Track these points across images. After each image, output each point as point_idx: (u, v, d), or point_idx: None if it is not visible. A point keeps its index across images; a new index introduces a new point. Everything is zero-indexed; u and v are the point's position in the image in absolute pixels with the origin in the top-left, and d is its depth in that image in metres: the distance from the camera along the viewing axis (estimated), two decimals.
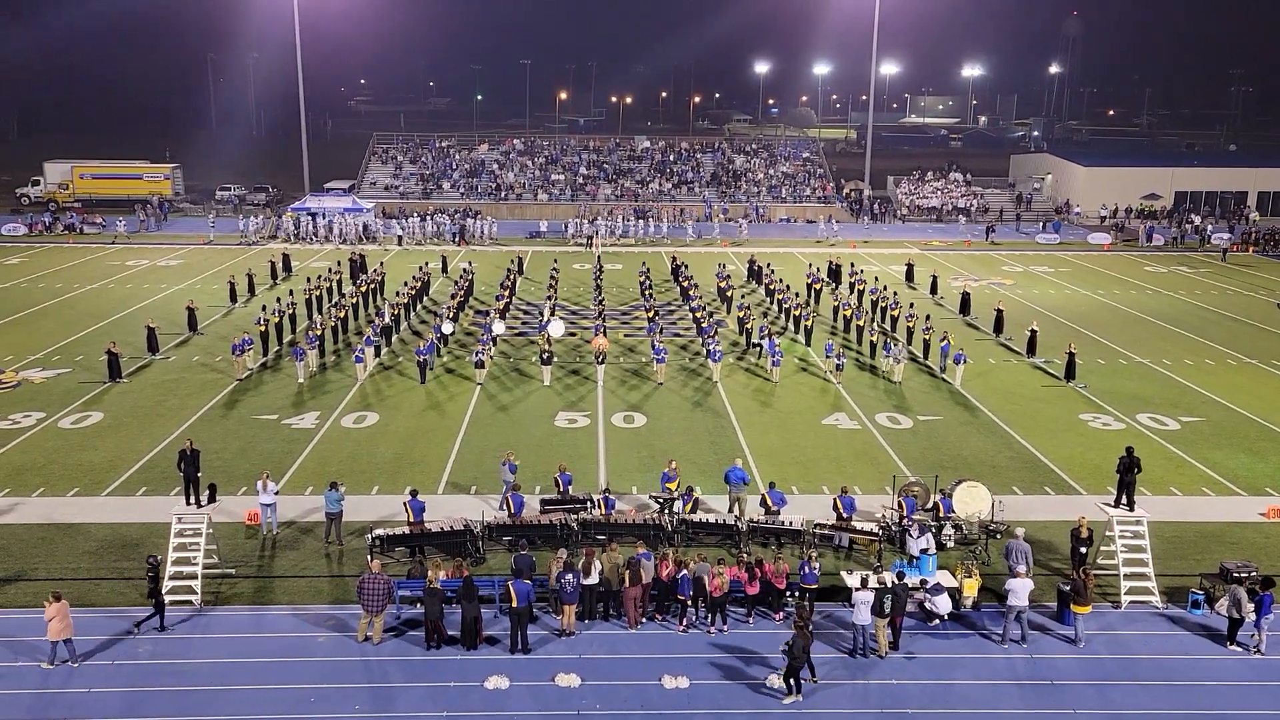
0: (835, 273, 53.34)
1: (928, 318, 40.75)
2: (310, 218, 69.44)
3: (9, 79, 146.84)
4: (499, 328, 39.53)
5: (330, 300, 46.11)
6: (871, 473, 27.40)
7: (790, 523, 23.19)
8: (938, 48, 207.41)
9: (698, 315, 42.53)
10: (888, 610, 18.79)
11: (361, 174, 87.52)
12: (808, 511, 24.12)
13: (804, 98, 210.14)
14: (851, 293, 48.73)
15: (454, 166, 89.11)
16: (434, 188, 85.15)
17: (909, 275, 55.03)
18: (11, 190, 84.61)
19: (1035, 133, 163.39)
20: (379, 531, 22.24)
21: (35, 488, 25.91)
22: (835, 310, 45.58)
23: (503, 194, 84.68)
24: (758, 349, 38.78)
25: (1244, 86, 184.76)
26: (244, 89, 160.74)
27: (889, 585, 19.11)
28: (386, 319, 40.75)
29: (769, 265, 53.17)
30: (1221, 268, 62.10)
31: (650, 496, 24.98)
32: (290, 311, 41.68)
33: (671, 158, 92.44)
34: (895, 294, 46.38)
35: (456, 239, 68.42)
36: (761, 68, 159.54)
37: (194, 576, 20.41)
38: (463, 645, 18.90)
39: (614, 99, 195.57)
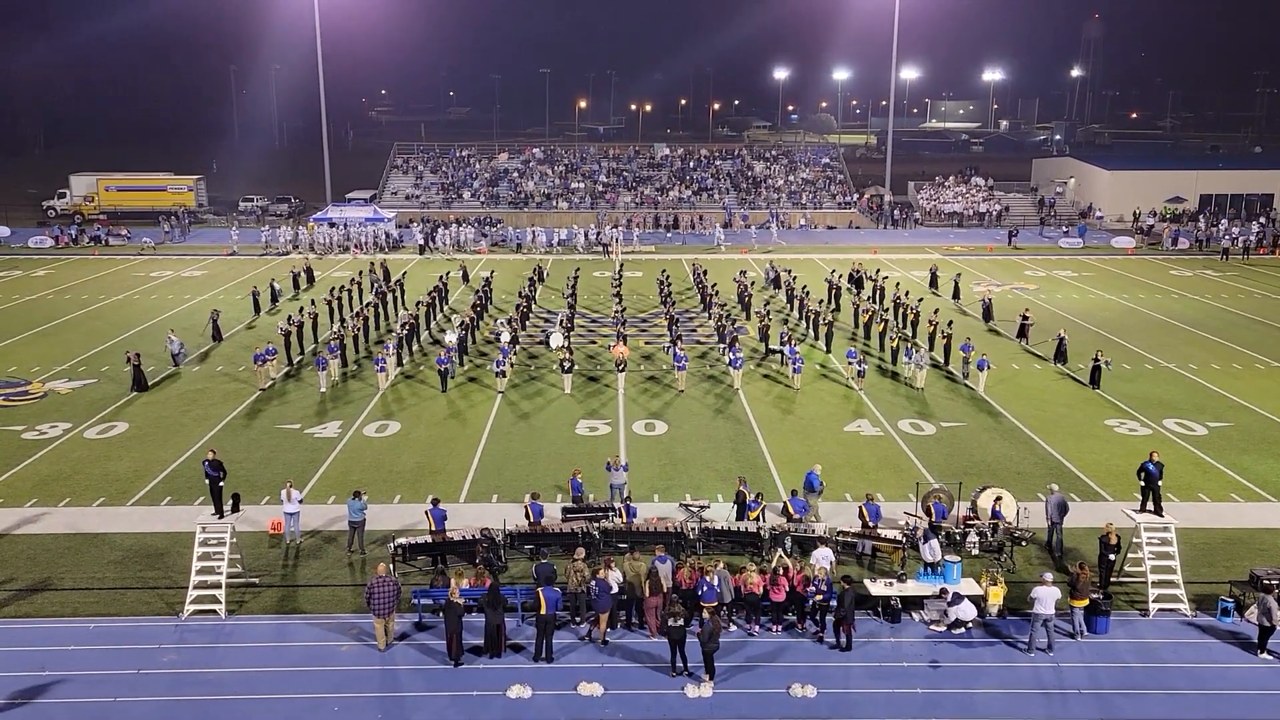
0: (857, 279, 53.02)
1: (949, 323, 40.48)
2: (331, 228, 69.92)
3: (35, 93, 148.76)
4: (506, 336, 39.58)
5: (351, 309, 46.32)
6: (894, 480, 27.22)
7: (813, 530, 23.07)
8: (958, 52, 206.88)
9: (721, 323, 42.40)
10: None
11: (383, 184, 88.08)
12: (830, 519, 24.01)
13: (823, 103, 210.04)
14: (873, 298, 48.51)
15: (474, 175, 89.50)
16: (455, 197, 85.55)
17: (933, 281, 54.72)
18: (38, 203, 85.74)
19: (1057, 136, 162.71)
20: (401, 540, 22.29)
21: (61, 497, 26.12)
22: (856, 315, 45.36)
23: (537, 203, 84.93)
24: (778, 355, 38.65)
25: (1268, 88, 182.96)
26: (266, 100, 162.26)
27: (841, 591, 19.23)
28: (406, 328, 40.87)
29: (789, 270, 53.02)
30: (1247, 270, 61.47)
31: (680, 505, 24.89)
32: (312, 320, 41.94)
33: (691, 165, 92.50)
34: (920, 300, 46.07)
35: (422, 248, 67.91)
36: (781, 74, 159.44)
37: (218, 586, 20.49)
38: (487, 654, 18.89)
39: (633, 107, 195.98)
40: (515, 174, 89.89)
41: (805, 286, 49.18)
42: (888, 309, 45.41)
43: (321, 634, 19.72)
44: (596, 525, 22.93)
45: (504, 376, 35.21)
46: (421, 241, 68.14)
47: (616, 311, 44.92)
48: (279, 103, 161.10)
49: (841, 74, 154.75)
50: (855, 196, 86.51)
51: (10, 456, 28.91)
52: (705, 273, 53.89)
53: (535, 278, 52.41)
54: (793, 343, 37.93)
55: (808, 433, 31.25)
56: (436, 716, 17.25)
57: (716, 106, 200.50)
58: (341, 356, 37.77)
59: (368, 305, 46.02)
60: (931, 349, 39.29)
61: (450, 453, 29.42)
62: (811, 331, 43.34)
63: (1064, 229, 76.44)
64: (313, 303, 45.26)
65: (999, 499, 23.59)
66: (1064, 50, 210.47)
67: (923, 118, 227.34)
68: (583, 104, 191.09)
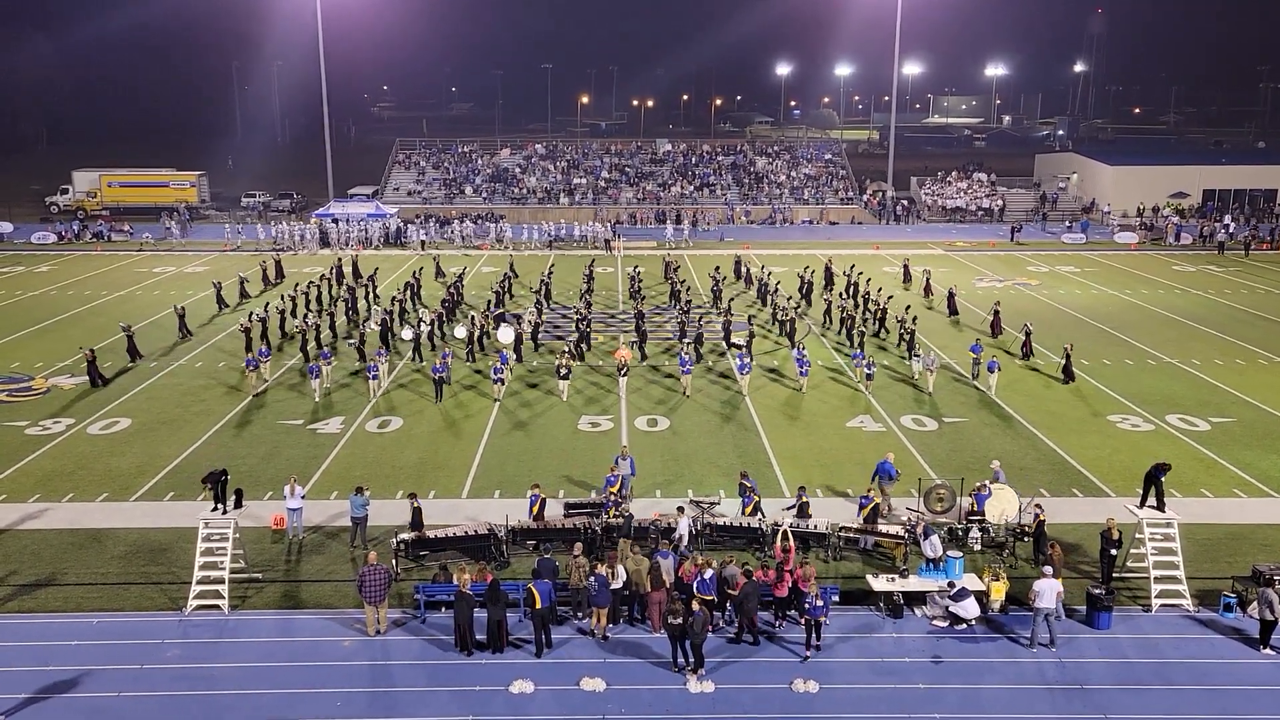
0: (829, 275, 52.76)
1: (914, 319, 40.04)
2: (335, 224, 69.91)
3: (38, 90, 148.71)
4: (460, 332, 39.37)
5: (317, 305, 46.13)
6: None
7: (815, 525, 23.06)
8: (961, 47, 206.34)
9: (682, 319, 41.65)
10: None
11: (385, 180, 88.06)
12: (832, 514, 23.97)
13: (826, 99, 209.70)
14: (845, 294, 48.02)
15: (476, 171, 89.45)
16: (457, 192, 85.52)
17: (906, 276, 54.85)
18: (41, 199, 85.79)
19: (1060, 132, 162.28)
20: (403, 535, 22.30)
21: (65, 493, 26.16)
22: (827, 310, 45.11)
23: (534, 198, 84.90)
24: (737, 349, 38.57)
25: (1272, 83, 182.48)
26: (268, 96, 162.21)
27: (738, 579, 19.28)
28: (375, 324, 40.74)
29: (763, 267, 52.82)
30: (1250, 266, 61.36)
31: (691, 501, 24.89)
32: (282, 313, 41.95)
33: (693, 160, 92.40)
34: (890, 297, 45.90)
35: (394, 241, 67.91)
36: (783, 69, 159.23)
37: (221, 581, 20.52)
38: (489, 649, 18.92)
39: (635, 102, 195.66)
40: (517, 169, 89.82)
41: (779, 283, 49.01)
42: (856, 304, 45.26)
43: (324, 629, 19.75)
44: (599, 521, 22.91)
45: (502, 384, 34.06)
46: (397, 235, 68.43)
47: (580, 309, 43.62)
48: (281, 99, 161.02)
49: (844, 70, 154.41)
50: (866, 195, 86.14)
51: (14, 452, 28.96)
52: (677, 268, 53.76)
53: (509, 274, 51.96)
54: (800, 345, 37.55)
55: (810, 428, 31.24)
56: (439, 711, 17.27)
57: (719, 102, 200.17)
58: (313, 339, 37.81)
59: (336, 300, 45.91)
60: (913, 347, 38.88)
61: (453, 448, 29.44)
62: (777, 327, 43.03)
63: (1067, 224, 76.30)
64: (282, 298, 45.04)
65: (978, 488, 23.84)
66: (1067, 45, 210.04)
67: (925, 113, 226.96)
68: (585, 100, 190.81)
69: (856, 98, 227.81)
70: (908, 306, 42.49)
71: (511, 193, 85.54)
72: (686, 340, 39.58)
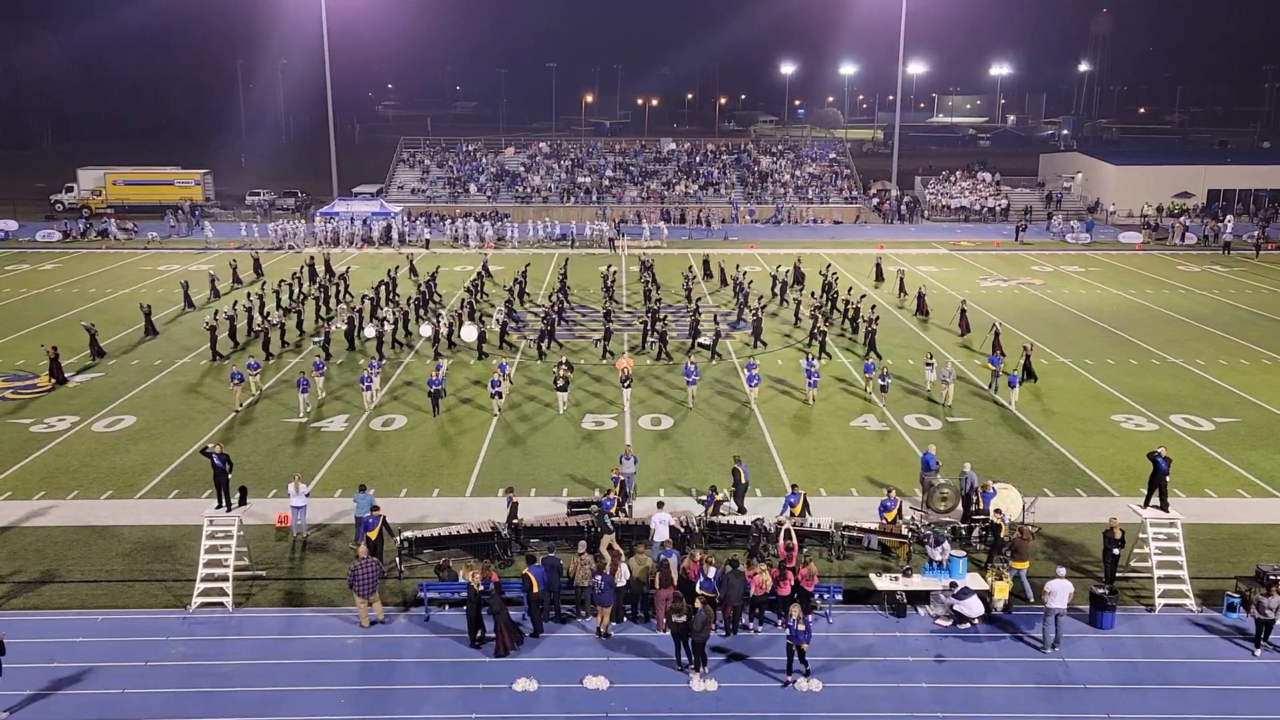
0: (799, 274, 52.87)
1: (877, 319, 39.65)
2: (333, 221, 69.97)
3: (43, 88, 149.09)
4: (425, 330, 39.36)
5: (290, 301, 46.17)
6: (900, 474, 27.16)
7: (819, 525, 23.05)
8: (965, 46, 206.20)
9: (650, 319, 41.19)
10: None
11: (389, 178, 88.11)
12: (835, 513, 23.98)
13: (830, 98, 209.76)
14: (818, 294, 48.01)
15: (481, 170, 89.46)
16: (461, 191, 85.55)
17: (878, 274, 54.97)
18: (46, 197, 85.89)
19: (1065, 131, 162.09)
20: (407, 534, 22.33)
21: (70, 490, 26.23)
22: (797, 309, 45.00)
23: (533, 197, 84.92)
24: (707, 350, 38.70)
25: (1278, 83, 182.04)
26: (273, 95, 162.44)
27: (724, 572, 19.31)
28: (342, 321, 40.83)
29: (738, 266, 52.86)
30: (1255, 266, 61.26)
31: (697, 500, 24.87)
32: (249, 311, 42.00)
33: (697, 159, 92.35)
34: (863, 296, 45.60)
35: (380, 243, 68.00)
36: (787, 69, 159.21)
37: (225, 579, 20.56)
38: (496, 649, 18.94)
39: (640, 101, 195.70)
40: (521, 168, 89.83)
41: (751, 281, 48.96)
42: (823, 304, 45.15)
43: (328, 626, 19.79)
44: (601, 519, 22.91)
45: (500, 397, 32.89)
46: (383, 235, 68.52)
47: (549, 309, 43.23)
48: (285, 97, 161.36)
49: (848, 69, 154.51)
50: (875, 199, 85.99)
51: (18, 449, 29.04)
52: (651, 266, 53.75)
53: (482, 272, 51.89)
54: (810, 356, 36.95)
55: (814, 427, 31.23)
56: (442, 709, 17.31)
57: (723, 101, 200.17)
58: (265, 349, 38.01)
59: (305, 298, 45.99)
60: (873, 345, 38.59)
61: (457, 446, 29.46)
62: (747, 326, 42.96)
63: (1071, 224, 76.15)
64: (249, 296, 44.99)
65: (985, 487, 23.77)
66: (1072, 45, 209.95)
67: (930, 112, 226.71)
68: (589, 98, 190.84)
69: (860, 97, 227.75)
70: (873, 306, 42.51)
71: (516, 191, 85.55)
72: (652, 340, 39.55)
